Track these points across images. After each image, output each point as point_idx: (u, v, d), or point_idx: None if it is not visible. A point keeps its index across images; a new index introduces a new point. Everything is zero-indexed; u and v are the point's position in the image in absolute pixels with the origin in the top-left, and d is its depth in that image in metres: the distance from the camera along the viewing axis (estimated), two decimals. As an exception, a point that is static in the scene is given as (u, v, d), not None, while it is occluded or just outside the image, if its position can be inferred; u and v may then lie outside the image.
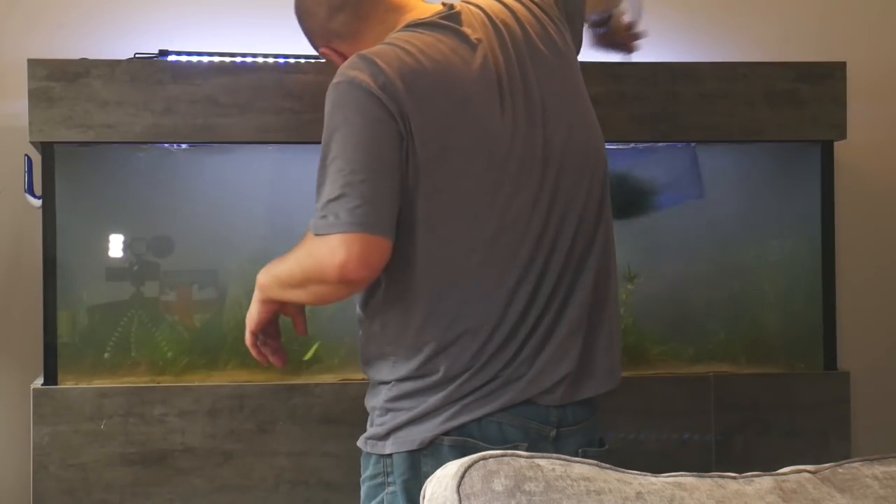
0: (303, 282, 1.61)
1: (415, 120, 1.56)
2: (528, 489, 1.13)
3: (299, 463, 2.17)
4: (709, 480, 1.21)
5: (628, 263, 2.34)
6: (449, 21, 1.66)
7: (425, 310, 1.60)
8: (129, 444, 2.13)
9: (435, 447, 1.58)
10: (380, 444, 1.63)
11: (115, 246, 2.36)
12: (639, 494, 1.15)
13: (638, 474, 1.21)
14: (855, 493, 1.21)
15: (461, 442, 1.58)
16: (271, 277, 1.68)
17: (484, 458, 1.17)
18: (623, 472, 1.21)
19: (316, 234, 1.54)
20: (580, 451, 1.64)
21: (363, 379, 1.78)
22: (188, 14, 2.21)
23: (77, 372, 2.21)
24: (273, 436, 2.17)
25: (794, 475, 1.25)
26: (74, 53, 2.19)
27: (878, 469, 1.26)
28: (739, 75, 2.27)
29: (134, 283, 2.33)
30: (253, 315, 1.71)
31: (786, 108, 2.27)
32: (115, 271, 2.35)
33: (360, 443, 1.68)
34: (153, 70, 2.13)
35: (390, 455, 1.62)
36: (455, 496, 1.14)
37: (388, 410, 1.63)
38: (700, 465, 2.22)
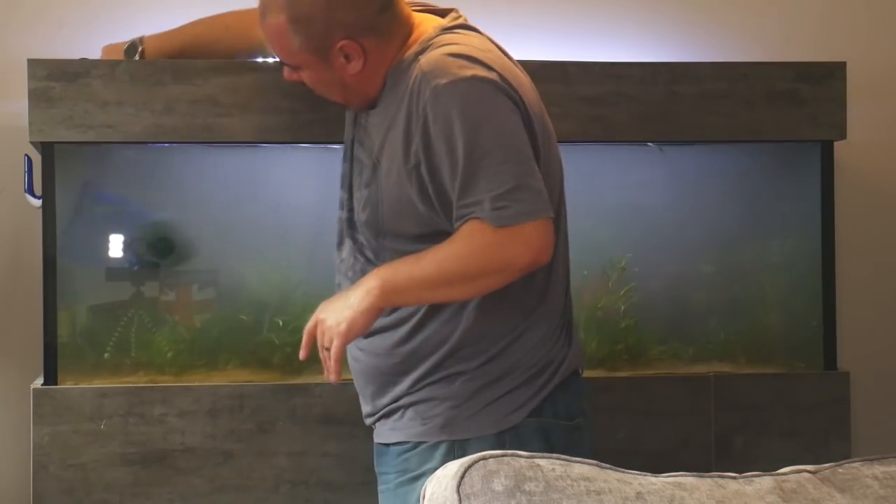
0: (476, 275, 1.62)
1: (529, 107, 1.67)
2: (528, 489, 1.13)
3: (299, 463, 2.17)
4: (709, 480, 1.21)
5: (625, 259, 2.35)
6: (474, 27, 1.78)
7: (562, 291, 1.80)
8: (129, 444, 2.13)
9: (519, 429, 1.69)
10: (456, 429, 1.69)
11: (115, 246, 2.36)
12: (639, 494, 1.15)
13: (638, 474, 1.21)
14: (855, 493, 1.21)
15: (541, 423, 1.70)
16: (406, 280, 1.65)
17: (484, 458, 1.17)
18: (623, 472, 1.21)
19: (498, 226, 1.56)
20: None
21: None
22: (188, 14, 2.20)
23: (77, 372, 2.21)
24: (273, 436, 2.16)
25: (794, 475, 1.25)
26: (74, 53, 2.18)
27: (878, 469, 1.26)
28: (739, 75, 2.27)
29: (134, 283, 2.33)
30: (358, 322, 1.64)
31: (786, 108, 2.27)
32: (115, 271, 2.35)
33: (417, 435, 1.71)
34: (153, 70, 2.13)
35: (468, 440, 1.68)
36: (455, 496, 1.14)
37: (469, 398, 1.70)
38: (700, 465, 2.22)
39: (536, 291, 1.73)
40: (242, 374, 2.27)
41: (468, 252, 1.61)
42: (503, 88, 1.63)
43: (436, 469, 1.62)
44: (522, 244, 1.57)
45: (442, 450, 1.69)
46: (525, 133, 1.63)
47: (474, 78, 1.62)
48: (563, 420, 1.73)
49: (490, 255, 1.60)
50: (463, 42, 1.69)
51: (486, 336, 1.71)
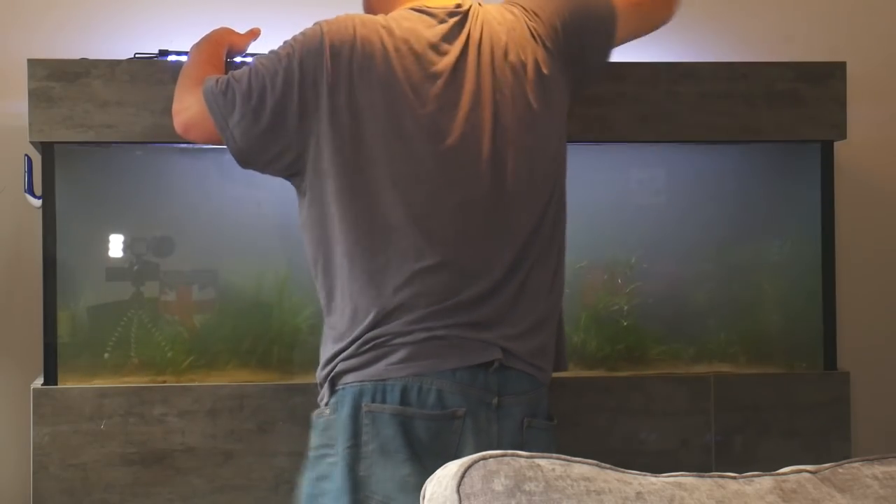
0: None
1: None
2: (528, 489, 1.13)
3: (299, 463, 2.16)
4: (709, 480, 1.21)
5: (634, 258, 2.34)
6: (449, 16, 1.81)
7: None
8: (129, 444, 2.13)
9: None
10: None
11: (115, 246, 2.36)
12: (639, 494, 1.15)
13: (638, 474, 1.21)
14: (855, 493, 1.21)
15: None
16: None
17: (484, 458, 1.17)
18: (623, 472, 1.21)
19: None
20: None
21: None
22: (188, 14, 2.21)
23: (77, 372, 2.21)
24: (273, 436, 2.17)
25: (794, 475, 1.25)
26: (74, 53, 2.19)
27: (878, 469, 1.26)
28: (739, 75, 2.27)
29: (134, 283, 2.33)
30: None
31: (786, 108, 2.27)
32: (115, 271, 2.35)
33: None
34: (153, 70, 2.13)
35: None
36: (455, 496, 1.14)
37: None
38: (700, 465, 2.23)
39: None
40: (242, 374, 2.27)
41: None
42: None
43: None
44: None
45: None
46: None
47: None
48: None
49: None
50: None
51: None
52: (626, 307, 2.38)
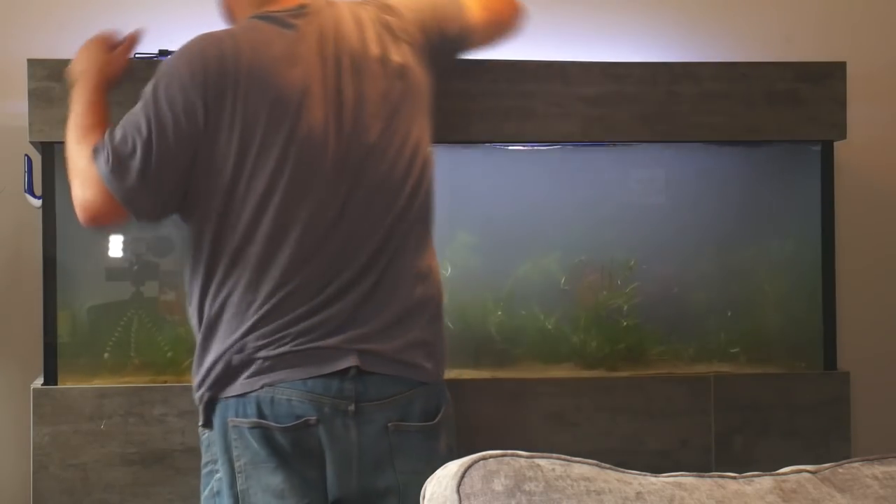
0: None
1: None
2: (528, 489, 1.13)
3: (299, 463, 2.17)
4: (709, 480, 1.21)
5: (635, 259, 2.34)
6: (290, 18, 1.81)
7: None
8: (129, 444, 2.13)
9: None
10: None
11: (115, 246, 2.36)
12: (639, 494, 1.15)
13: (638, 474, 1.21)
14: (855, 493, 1.21)
15: None
16: None
17: (484, 458, 1.17)
18: (623, 472, 1.21)
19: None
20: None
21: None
22: (188, 14, 2.20)
23: (77, 372, 2.21)
24: (273, 436, 2.16)
25: (794, 475, 1.25)
26: (74, 53, 2.18)
27: (878, 469, 1.26)
28: (739, 75, 2.27)
29: (134, 283, 2.33)
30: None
31: (786, 108, 2.27)
32: (115, 271, 2.35)
33: None
34: (153, 70, 2.13)
35: None
36: (455, 496, 1.14)
37: None
38: (700, 465, 2.22)
39: None
40: (242, 374, 2.26)
41: None
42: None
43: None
44: None
45: None
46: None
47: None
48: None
49: None
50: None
51: None
52: (626, 307, 2.38)
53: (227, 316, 1.77)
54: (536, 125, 2.20)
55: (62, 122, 2.10)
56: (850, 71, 2.30)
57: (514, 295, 2.38)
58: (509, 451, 1.19)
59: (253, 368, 1.75)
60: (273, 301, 1.75)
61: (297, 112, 1.75)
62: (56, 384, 2.15)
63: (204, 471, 1.84)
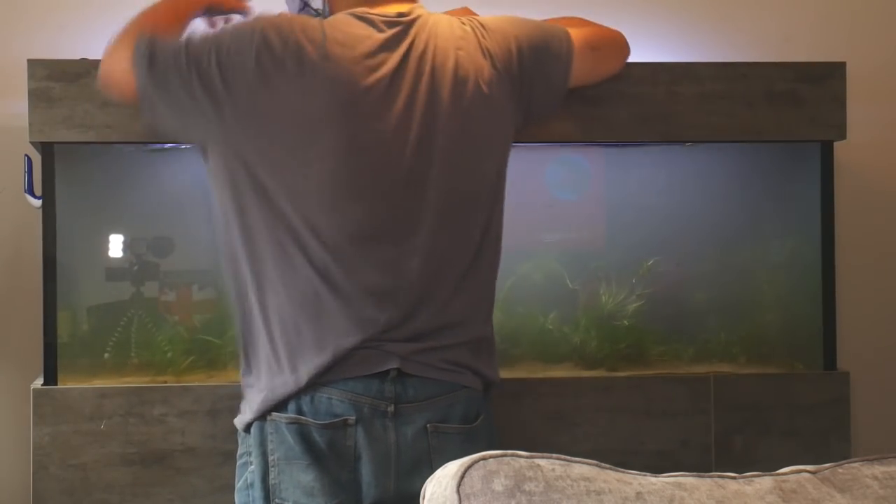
0: None
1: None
2: (528, 489, 1.13)
3: (299, 463, 2.17)
4: (709, 480, 1.21)
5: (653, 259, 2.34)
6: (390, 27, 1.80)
7: None
8: (129, 444, 2.13)
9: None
10: None
11: (115, 246, 2.36)
12: (639, 494, 1.15)
13: (638, 474, 1.21)
14: (855, 493, 1.21)
15: None
16: None
17: (484, 458, 1.17)
18: (623, 472, 1.21)
19: None
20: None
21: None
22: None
23: (77, 372, 2.21)
24: (273, 436, 2.16)
25: (794, 475, 1.25)
26: (74, 53, 2.18)
27: (878, 469, 1.26)
28: (739, 75, 2.27)
29: (134, 283, 2.33)
30: None
31: (786, 108, 2.27)
32: (115, 271, 2.35)
33: None
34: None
35: None
36: (455, 496, 1.14)
37: None
38: (700, 465, 2.22)
39: None
40: (242, 374, 2.26)
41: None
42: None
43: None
44: None
45: None
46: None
47: None
48: None
49: None
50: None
51: None
52: (631, 308, 2.38)
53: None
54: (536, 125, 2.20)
55: (62, 122, 2.11)
56: (850, 71, 2.30)
57: (514, 295, 2.38)
58: (509, 452, 1.19)
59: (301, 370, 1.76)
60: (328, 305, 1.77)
61: (367, 114, 1.75)
62: (56, 384, 2.15)
63: (239, 462, 1.85)
